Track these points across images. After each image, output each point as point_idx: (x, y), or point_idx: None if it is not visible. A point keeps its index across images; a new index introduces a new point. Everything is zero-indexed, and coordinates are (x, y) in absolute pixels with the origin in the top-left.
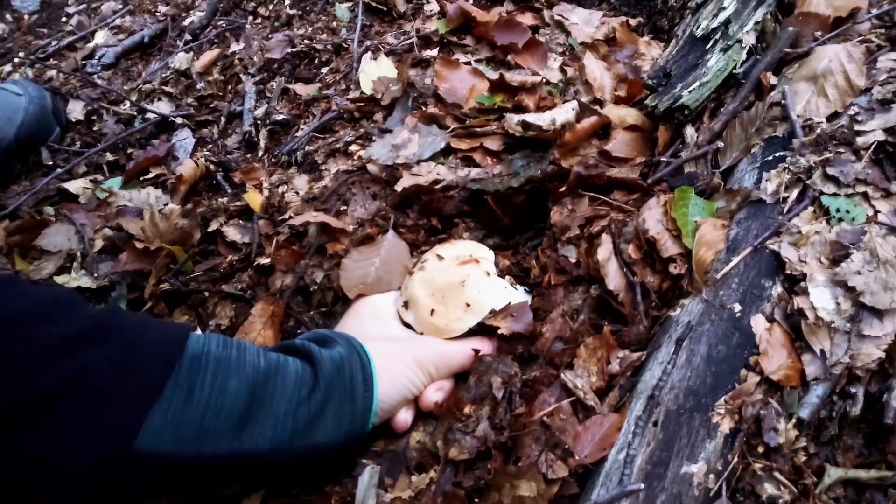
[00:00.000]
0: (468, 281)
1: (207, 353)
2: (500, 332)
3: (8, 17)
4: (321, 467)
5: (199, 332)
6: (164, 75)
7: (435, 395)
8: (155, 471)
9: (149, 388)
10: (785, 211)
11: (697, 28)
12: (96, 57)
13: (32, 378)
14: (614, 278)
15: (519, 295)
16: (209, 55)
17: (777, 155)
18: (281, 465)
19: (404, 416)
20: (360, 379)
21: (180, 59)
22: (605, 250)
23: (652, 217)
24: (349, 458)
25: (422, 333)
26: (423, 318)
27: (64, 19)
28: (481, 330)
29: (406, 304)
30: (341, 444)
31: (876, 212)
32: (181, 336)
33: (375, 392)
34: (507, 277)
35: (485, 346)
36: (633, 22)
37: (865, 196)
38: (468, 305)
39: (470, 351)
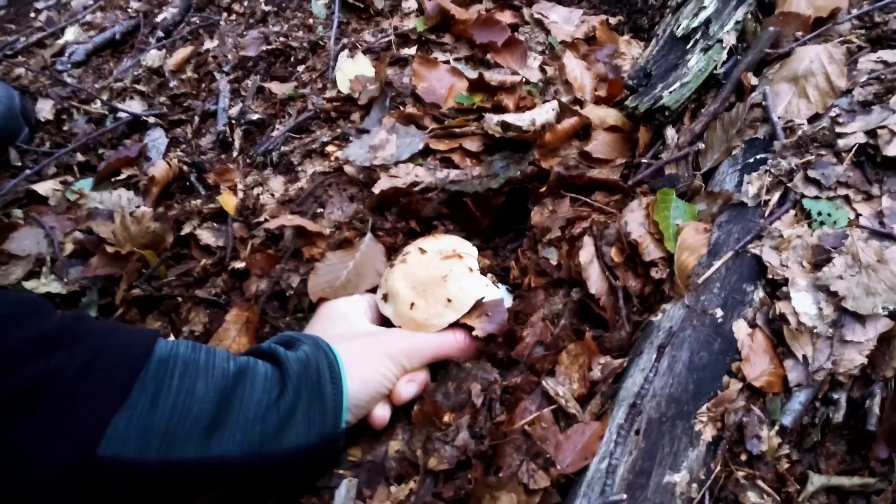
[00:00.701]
0: (450, 276)
1: (175, 357)
2: (474, 333)
3: None
4: (295, 475)
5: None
6: (136, 73)
7: (407, 387)
8: (121, 478)
9: (114, 392)
10: (766, 214)
11: (678, 27)
12: (66, 54)
13: None
14: (596, 282)
15: (500, 294)
16: (182, 53)
17: (758, 157)
18: (252, 472)
19: (381, 412)
20: (328, 377)
21: (153, 57)
22: (587, 253)
23: (634, 219)
24: (323, 464)
25: (400, 327)
26: (402, 312)
27: (32, 15)
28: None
29: (385, 297)
30: (313, 445)
31: (857, 215)
32: (149, 340)
33: (345, 389)
34: (489, 276)
35: (459, 337)
36: (613, 20)
37: (847, 199)
38: (449, 301)
39: (443, 339)
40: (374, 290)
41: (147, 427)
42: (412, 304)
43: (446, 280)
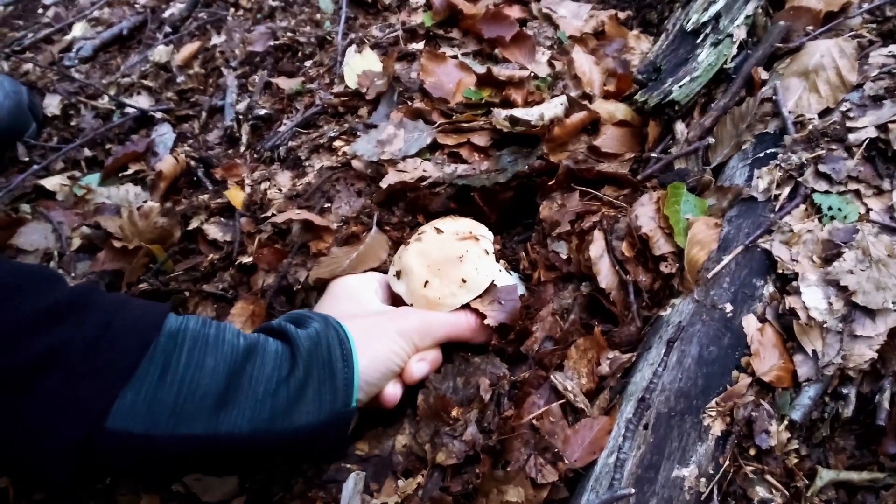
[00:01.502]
0: (466, 257)
1: (185, 331)
2: (485, 321)
3: None
4: (305, 454)
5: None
6: (143, 69)
7: (419, 366)
8: (128, 453)
9: (123, 365)
10: (777, 209)
11: (687, 22)
12: (74, 50)
13: (3, 355)
14: (606, 276)
15: (514, 281)
16: (190, 48)
17: (768, 152)
18: (262, 449)
19: (392, 390)
20: (339, 354)
21: (160, 52)
22: (597, 247)
23: (644, 213)
24: (334, 443)
25: (411, 305)
26: (415, 289)
27: (40, 11)
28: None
29: (398, 274)
30: (324, 423)
31: (868, 210)
32: (159, 314)
33: (356, 366)
34: (503, 262)
35: (471, 318)
36: (622, 15)
37: (857, 194)
38: (464, 281)
39: (455, 319)
40: (385, 271)
41: (155, 401)
42: (426, 283)
43: (462, 260)
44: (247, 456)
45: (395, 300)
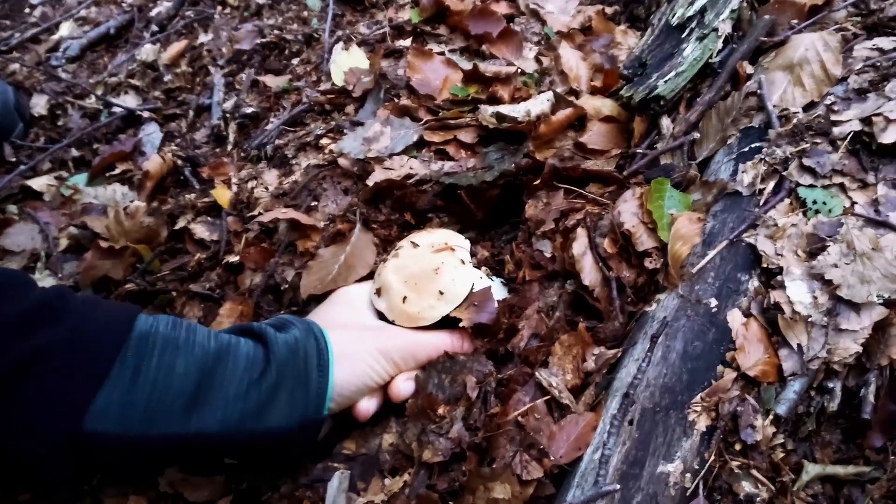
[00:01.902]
0: (442, 268)
1: (155, 334)
2: (461, 324)
3: None
4: (276, 453)
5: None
6: (130, 68)
7: (405, 385)
8: (106, 452)
9: (96, 369)
10: (761, 203)
11: (673, 16)
12: (61, 49)
13: None
14: (590, 273)
15: (493, 287)
16: (177, 47)
17: (753, 146)
18: (233, 447)
19: (365, 405)
20: (315, 364)
21: (147, 51)
22: (580, 244)
23: (627, 210)
24: (305, 445)
25: (393, 321)
26: (395, 305)
27: (27, 10)
28: (454, 320)
29: (378, 292)
30: (294, 428)
31: (853, 203)
32: (129, 316)
33: (331, 378)
34: (483, 268)
35: (456, 339)
36: (609, 10)
37: (842, 187)
38: (441, 293)
39: (439, 341)
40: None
41: (128, 403)
42: (405, 298)
43: (438, 272)
44: (220, 453)
45: (380, 317)
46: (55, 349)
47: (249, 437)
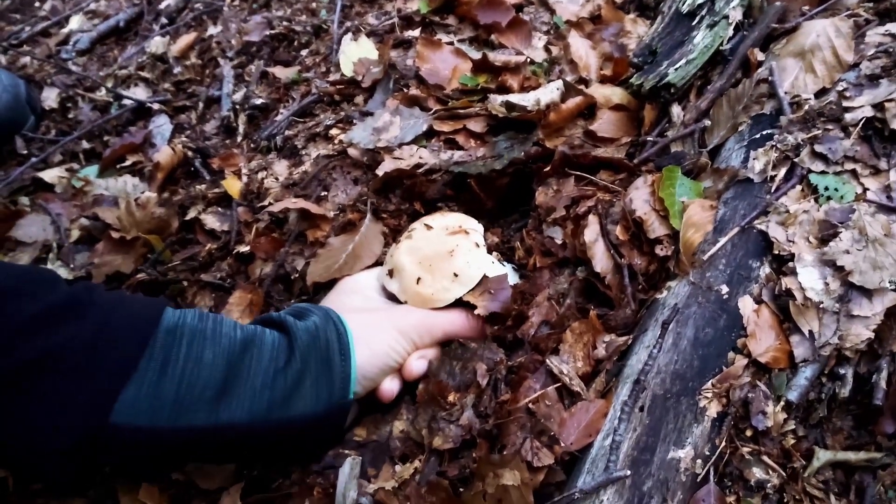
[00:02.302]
0: (457, 251)
1: (182, 326)
2: (476, 311)
3: None
4: (304, 442)
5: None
6: (140, 60)
7: (418, 363)
8: (133, 445)
9: (123, 363)
10: (773, 190)
11: (683, 4)
12: (71, 43)
13: (3, 356)
14: (601, 260)
15: (506, 272)
16: (186, 39)
17: (765, 133)
18: (261, 438)
19: (389, 386)
20: (337, 348)
21: (156, 44)
22: (592, 231)
23: (639, 197)
24: (332, 433)
25: (406, 302)
26: (408, 287)
27: (37, 4)
28: (466, 303)
29: (391, 273)
30: (321, 414)
31: (865, 189)
32: (156, 310)
33: (353, 361)
34: (494, 253)
35: (471, 317)
36: None
37: (854, 173)
38: (456, 276)
39: (454, 318)
40: (381, 264)
41: (157, 396)
42: (418, 279)
43: (452, 255)
44: (247, 444)
45: (391, 298)
46: (75, 346)
47: (278, 426)
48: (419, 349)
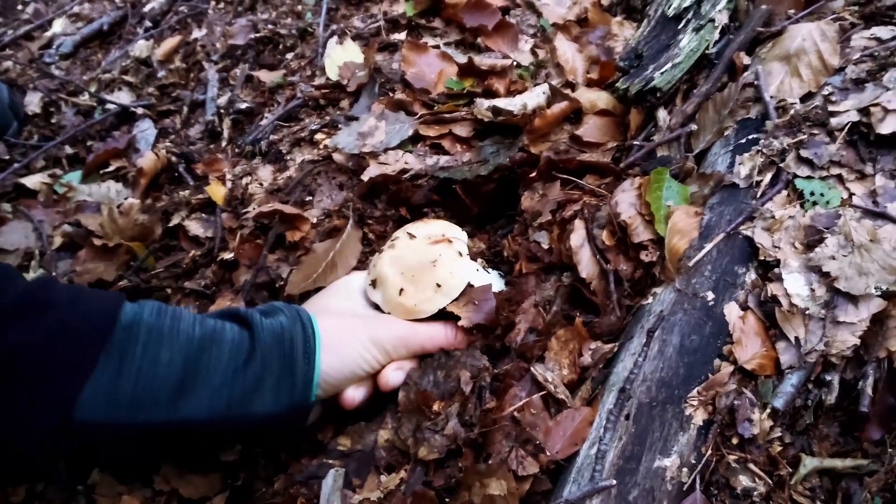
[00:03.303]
0: (440, 261)
1: (139, 324)
2: (460, 323)
3: None
4: (265, 436)
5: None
6: (123, 64)
7: (395, 374)
8: (101, 439)
9: (83, 360)
10: (758, 195)
11: (669, 7)
12: (54, 46)
13: None
14: (587, 266)
15: (491, 279)
16: (170, 42)
17: (750, 137)
18: (222, 432)
19: (352, 394)
20: (301, 351)
21: (140, 47)
22: (578, 236)
23: (625, 200)
24: (293, 428)
25: (389, 314)
26: (391, 298)
27: (20, 7)
28: (450, 313)
29: (374, 283)
30: (281, 414)
31: (850, 194)
32: (114, 306)
33: (317, 365)
34: (479, 260)
35: (450, 331)
36: (605, 1)
37: (840, 178)
38: (439, 286)
39: (433, 333)
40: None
41: (114, 393)
42: (401, 290)
43: (435, 265)
44: (209, 437)
45: (375, 309)
46: (37, 344)
47: (237, 423)
48: (393, 360)
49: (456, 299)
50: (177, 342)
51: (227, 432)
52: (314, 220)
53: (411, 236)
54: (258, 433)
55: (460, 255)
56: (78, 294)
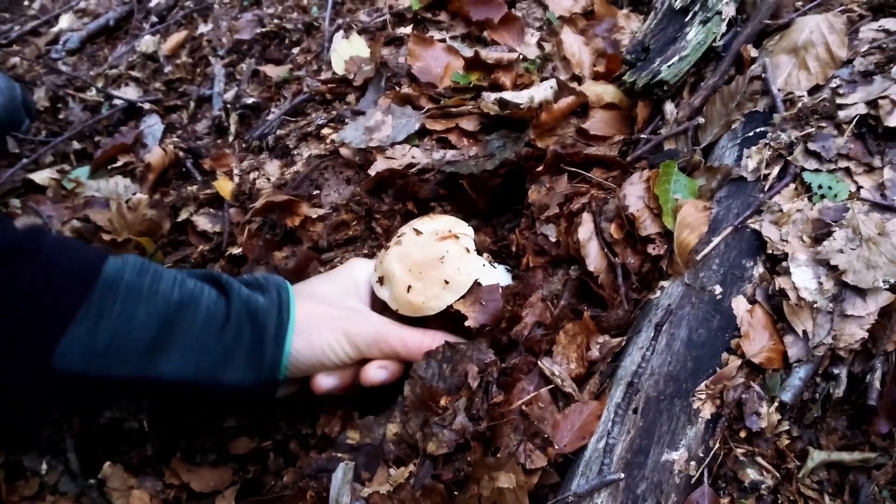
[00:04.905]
0: (447, 257)
1: (120, 281)
2: (466, 323)
3: None
4: (233, 402)
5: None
6: (130, 59)
7: (377, 372)
8: (76, 389)
9: (64, 310)
10: (766, 188)
11: (676, 0)
12: (61, 42)
13: None
14: (595, 259)
15: (498, 274)
16: (176, 37)
17: (758, 130)
18: (189, 393)
19: (321, 381)
20: (272, 335)
21: (147, 43)
22: (585, 230)
23: (633, 193)
24: (262, 398)
25: (397, 311)
26: (399, 295)
27: (26, 3)
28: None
29: (381, 280)
30: (249, 386)
31: (858, 187)
32: (97, 261)
33: (287, 348)
34: (486, 255)
35: (427, 339)
36: None
37: (848, 171)
38: (446, 283)
39: (407, 340)
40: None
41: (90, 346)
42: (409, 287)
43: (443, 261)
44: (178, 396)
45: (383, 306)
46: (21, 290)
47: (206, 387)
48: (364, 357)
49: (463, 297)
50: (154, 302)
51: (196, 395)
52: (314, 214)
53: (418, 232)
54: (227, 399)
55: (467, 251)
56: (66, 245)
